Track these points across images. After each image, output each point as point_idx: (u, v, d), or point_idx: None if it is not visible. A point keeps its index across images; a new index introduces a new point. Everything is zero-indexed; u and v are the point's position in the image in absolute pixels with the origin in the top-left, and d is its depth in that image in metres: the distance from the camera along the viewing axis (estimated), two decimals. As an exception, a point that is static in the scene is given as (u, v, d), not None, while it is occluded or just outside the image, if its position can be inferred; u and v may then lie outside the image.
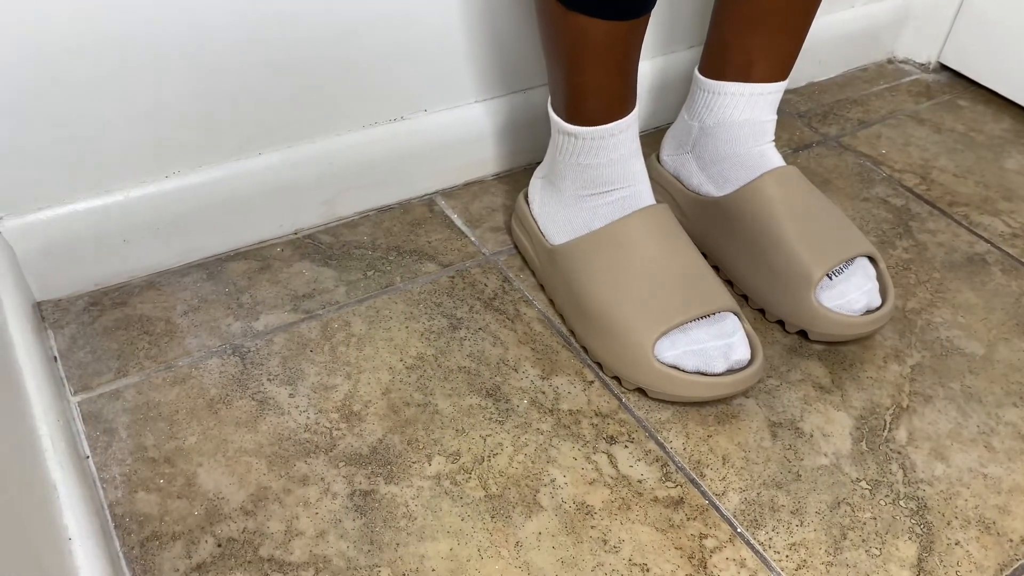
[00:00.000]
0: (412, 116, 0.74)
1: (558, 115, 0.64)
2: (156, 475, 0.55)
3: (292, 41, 0.65)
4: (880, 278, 0.68)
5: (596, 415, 0.61)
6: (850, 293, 0.65)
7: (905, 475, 0.58)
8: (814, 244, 0.66)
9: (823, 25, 0.96)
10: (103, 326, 0.64)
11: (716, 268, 0.73)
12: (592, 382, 0.63)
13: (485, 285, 0.70)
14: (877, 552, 0.54)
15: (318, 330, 0.65)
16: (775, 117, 0.70)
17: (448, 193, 0.79)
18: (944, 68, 1.04)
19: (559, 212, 0.67)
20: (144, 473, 0.55)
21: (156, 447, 0.56)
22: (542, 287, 0.70)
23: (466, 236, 0.75)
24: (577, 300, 0.64)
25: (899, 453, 0.60)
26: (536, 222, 0.70)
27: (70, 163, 0.61)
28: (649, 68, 0.85)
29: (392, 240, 0.74)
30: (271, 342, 0.64)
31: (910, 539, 0.54)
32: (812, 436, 0.60)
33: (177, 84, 0.62)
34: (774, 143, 0.72)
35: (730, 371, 0.60)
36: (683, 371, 0.60)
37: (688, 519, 0.55)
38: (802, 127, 0.92)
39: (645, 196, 0.66)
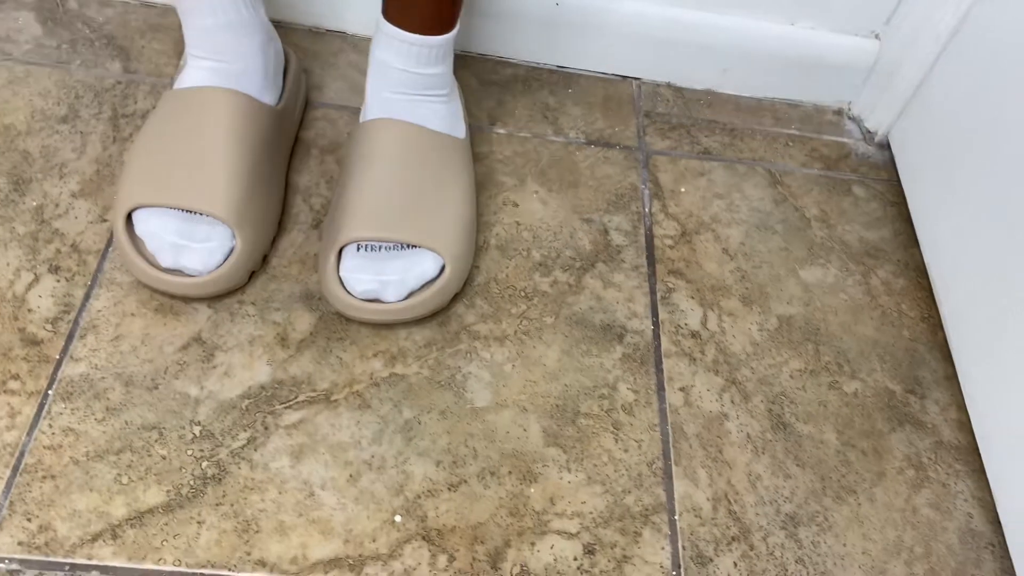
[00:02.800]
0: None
1: None
2: None
3: None
4: (430, 285, 0.61)
5: (72, 247, 0.63)
6: (363, 272, 0.60)
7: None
8: (379, 212, 0.60)
9: (737, 29, 0.80)
10: None
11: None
12: (108, 211, 0.65)
13: (136, 102, 0.72)
14: None
15: (-32, 67, 0.72)
16: (428, 73, 0.63)
17: (216, 18, 0.80)
18: (887, 148, 0.83)
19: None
20: None
21: None
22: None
23: (175, 61, 0.76)
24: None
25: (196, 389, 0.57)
26: None
27: None
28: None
29: (120, 32, 0.77)
30: (-73, 57, 0.72)
31: None
32: (215, 368, 0.59)
33: None
34: (437, 100, 0.65)
35: (178, 271, 0.59)
36: (139, 249, 0.60)
37: (27, 360, 0.57)
38: (632, 126, 0.80)
39: (233, 79, 0.62)
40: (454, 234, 0.62)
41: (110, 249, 0.63)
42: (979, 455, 0.62)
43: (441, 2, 0.59)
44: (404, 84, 0.63)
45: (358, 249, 0.61)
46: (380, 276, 0.60)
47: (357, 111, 0.75)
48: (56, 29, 0.76)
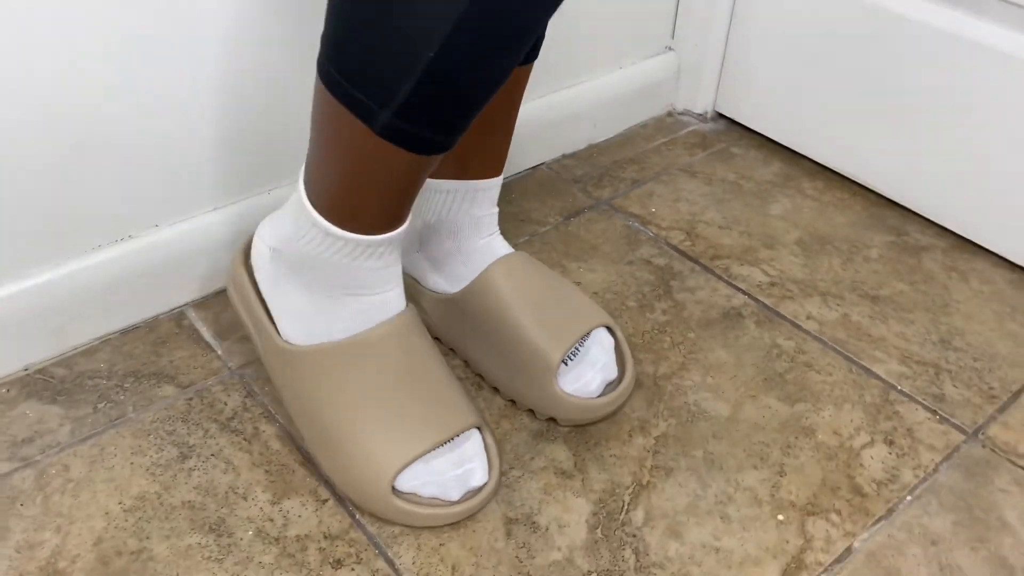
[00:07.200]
0: (141, 233, 0.72)
1: (320, 213, 0.57)
2: None
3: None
4: (617, 348, 0.68)
5: (325, 537, 0.58)
6: (586, 374, 0.65)
7: (637, 560, 0.58)
8: (549, 329, 0.65)
9: (592, 88, 0.97)
10: None
11: (466, 363, 0.72)
12: (326, 500, 0.61)
13: (225, 404, 0.67)
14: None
15: (32, 479, 0.61)
16: (495, 210, 0.70)
17: (200, 304, 0.76)
18: (721, 117, 1.07)
19: (298, 301, 0.62)
20: None
21: None
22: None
23: (212, 350, 0.72)
24: (314, 417, 0.61)
25: (634, 536, 0.59)
26: (266, 305, 0.65)
27: None
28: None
29: (131, 364, 0.71)
30: (-22, 500, 0.60)
31: (636, 631, 0.54)
32: (548, 530, 0.59)
33: None
34: (498, 233, 0.71)
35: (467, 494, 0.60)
36: (420, 502, 0.58)
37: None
38: (576, 192, 0.93)
39: (396, 302, 0.62)
40: (596, 306, 0.70)
41: (356, 518, 0.59)
42: None
43: (505, 144, 0.67)
44: (488, 227, 0.70)
45: (566, 364, 0.65)
46: (596, 365, 0.66)
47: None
48: (73, 398, 0.67)
